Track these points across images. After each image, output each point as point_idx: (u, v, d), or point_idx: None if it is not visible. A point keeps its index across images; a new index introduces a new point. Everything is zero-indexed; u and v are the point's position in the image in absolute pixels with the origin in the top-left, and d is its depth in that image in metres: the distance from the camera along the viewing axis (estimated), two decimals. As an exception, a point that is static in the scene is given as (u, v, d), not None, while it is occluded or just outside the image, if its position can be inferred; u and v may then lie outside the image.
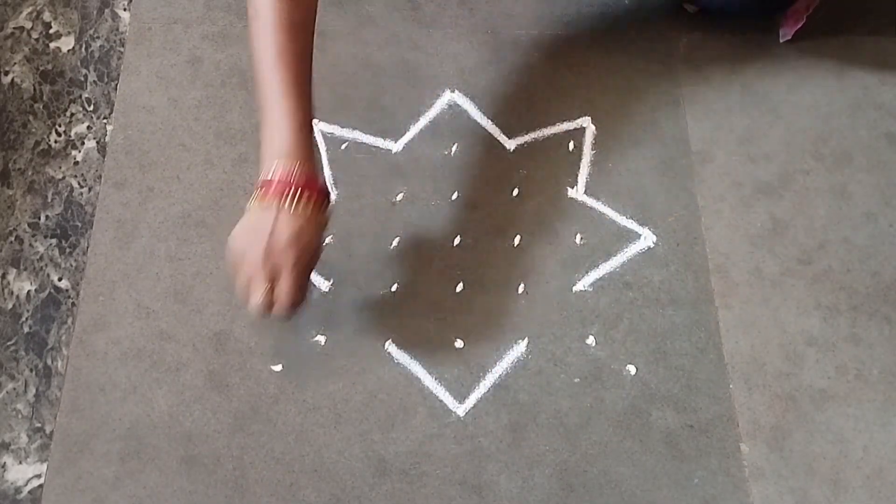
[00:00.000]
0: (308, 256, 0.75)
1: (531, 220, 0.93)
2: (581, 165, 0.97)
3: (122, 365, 0.85)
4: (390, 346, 0.87)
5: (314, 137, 0.77)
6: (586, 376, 0.86)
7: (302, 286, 0.75)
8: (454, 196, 0.95)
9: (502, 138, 0.98)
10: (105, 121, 0.99)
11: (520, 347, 0.87)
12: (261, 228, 0.72)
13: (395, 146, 0.98)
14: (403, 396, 0.85)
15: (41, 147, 0.97)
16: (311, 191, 0.74)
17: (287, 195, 0.73)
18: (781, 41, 1.04)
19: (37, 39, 1.05)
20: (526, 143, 0.98)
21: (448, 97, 1.00)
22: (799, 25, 1.02)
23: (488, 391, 0.85)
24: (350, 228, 0.93)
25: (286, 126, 0.74)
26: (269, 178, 0.74)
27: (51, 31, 1.05)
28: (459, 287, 0.90)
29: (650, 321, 0.88)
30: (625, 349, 0.87)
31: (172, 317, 0.87)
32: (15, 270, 0.91)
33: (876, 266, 0.92)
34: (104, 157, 0.96)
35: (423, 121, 0.99)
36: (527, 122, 0.99)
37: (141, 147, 0.96)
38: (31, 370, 0.86)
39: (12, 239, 0.92)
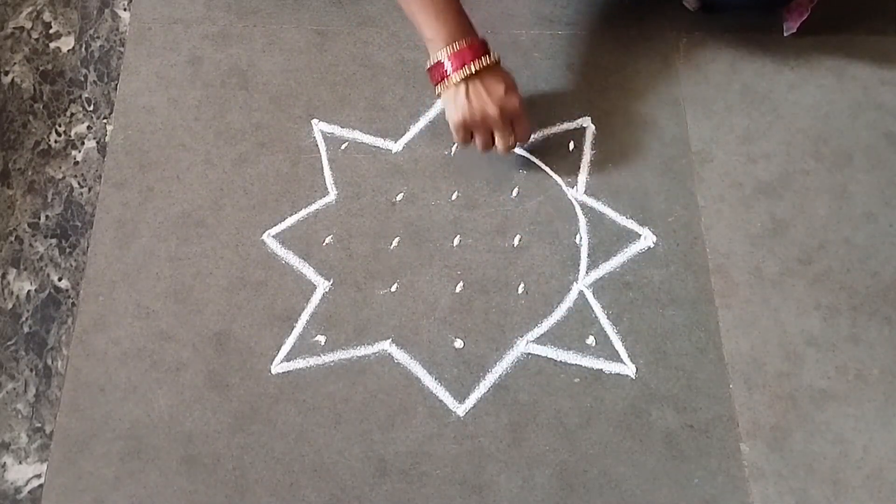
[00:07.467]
0: (519, 95, 0.89)
1: (531, 220, 0.93)
2: (581, 165, 0.97)
3: (122, 365, 0.85)
4: (390, 346, 0.87)
5: (470, 22, 0.88)
6: (586, 376, 0.86)
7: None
8: (454, 196, 0.95)
9: (502, 138, 0.98)
10: (105, 121, 0.99)
11: (520, 347, 0.87)
12: (476, 97, 0.87)
13: (395, 146, 0.97)
14: (403, 396, 0.85)
15: (41, 147, 0.97)
16: (482, 50, 0.87)
17: (471, 63, 0.85)
18: (786, 34, 1.03)
19: (37, 39, 1.05)
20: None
21: (448, 97, 1.00)
22: (803, 18, 1.01)
23: (488, 391, 0.85)
24: (350, 228, 0.93)
25: (438, 28, 0.86)
26: (447, 65, 0.86)
27: (51, 31, 1.05)
28: (459, 287, 0.90)
29: (650, 321, 0.88)
30: (625, 349, 0.87)
31: (172, 317, 0.87)
32: (15, 270, 0.91)
33: (876, 266, 0.92)
34: (104, 157, 0.96)
35: (423, 121, 0.99)
36: (527, 122, 0.99)
37: (141, 147, 0.96)
38: (31, 370, 0.86)
39: (12, 239, 0.92)
